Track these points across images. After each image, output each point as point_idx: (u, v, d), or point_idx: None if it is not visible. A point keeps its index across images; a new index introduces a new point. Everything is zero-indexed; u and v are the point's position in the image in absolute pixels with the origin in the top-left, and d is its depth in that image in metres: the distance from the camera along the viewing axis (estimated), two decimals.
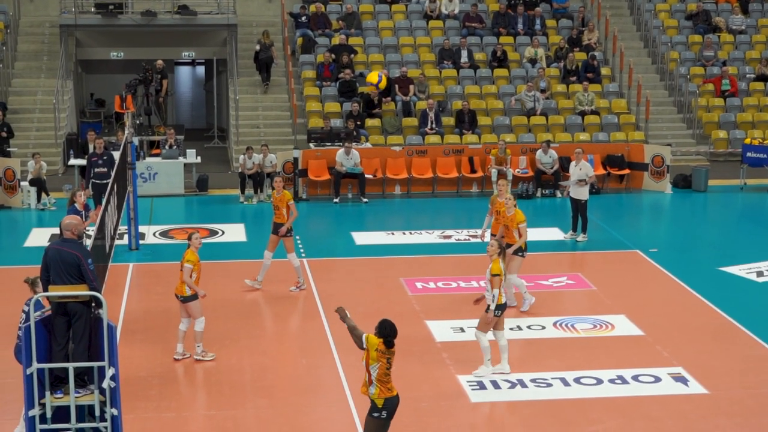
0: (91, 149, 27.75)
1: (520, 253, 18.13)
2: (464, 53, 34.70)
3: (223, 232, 24.07)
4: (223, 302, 18.53)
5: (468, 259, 21.66)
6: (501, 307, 15.17)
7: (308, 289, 19.76)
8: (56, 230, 16.76)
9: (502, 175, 27.06)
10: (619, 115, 33.29)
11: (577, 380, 15.31)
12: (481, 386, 15.06)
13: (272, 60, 33.90)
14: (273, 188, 19.92)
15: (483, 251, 19.64)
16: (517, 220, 18.04)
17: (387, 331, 11.35)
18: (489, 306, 15.03)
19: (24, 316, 12.47)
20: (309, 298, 19.22)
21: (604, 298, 19.38)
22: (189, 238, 16.07)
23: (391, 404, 11.32)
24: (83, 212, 18.75)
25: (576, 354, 16.48)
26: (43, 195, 27.22)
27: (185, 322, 16.03)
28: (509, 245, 17.79)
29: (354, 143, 28.96)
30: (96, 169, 24.36)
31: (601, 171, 29.39)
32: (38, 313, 10.88)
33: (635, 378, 15.39)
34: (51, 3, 35.45)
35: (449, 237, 23.82)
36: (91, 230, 18.18)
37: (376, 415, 11.33)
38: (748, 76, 35.63)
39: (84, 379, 10.98)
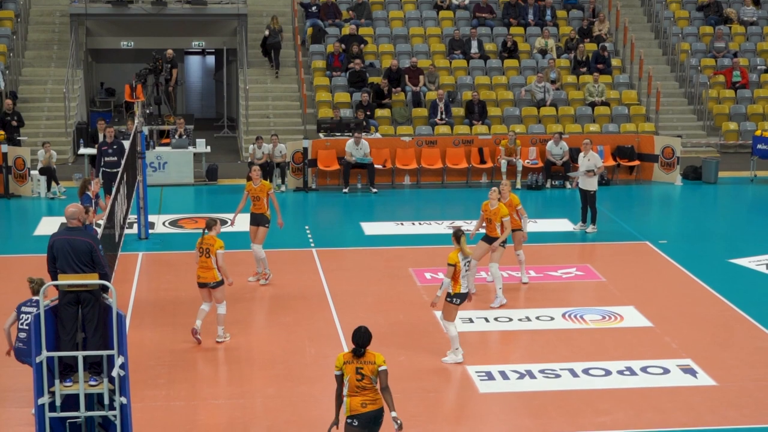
0: (101, 138, 27.77)
1: (502, 245, 18.37)
2: (474, 44, 34.65)
3: (232, 222, 24.05)
4: (232, 292, 18.51)
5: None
6: (460, 296, 15.29)
7: (317, 279, 19.77)
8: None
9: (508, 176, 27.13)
10: (630, 107, 33.22)
11: (585, 371, 15.31)
12: (490, 377, 15.07)
13: (280, 45, 33.91)
14: (250, 178, 19.60)
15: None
16: (501, 213, 18.14)
17: (354, 339, 11.10)
18: (437, 294, 15.27)
19: (25, 317, 12.48)
20: (318, 288, 19.23)
21: (613, 289, 19.36)
22: (210, 228, 16.25)
23: (362, 417, 11.04)
24: (94, 200, 18.84)
25: (585, 345, 16.48)
26: (53, 184, 27.27)
27: (207, 304, 16.31)
28: (493, 239, 18.18)
29: (363, 133, 28.95)
30: (106, 158, 24.40)
31: (611, 162, 29.34)
32: (47, 302, 10.90)
33: (644, 369, 15.39)
34: None
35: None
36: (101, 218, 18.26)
37: (348, 421, 11.09)
38: (759, 67, 35.51)
39: (99, 366, 11.01)
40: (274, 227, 19.70)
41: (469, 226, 23.82)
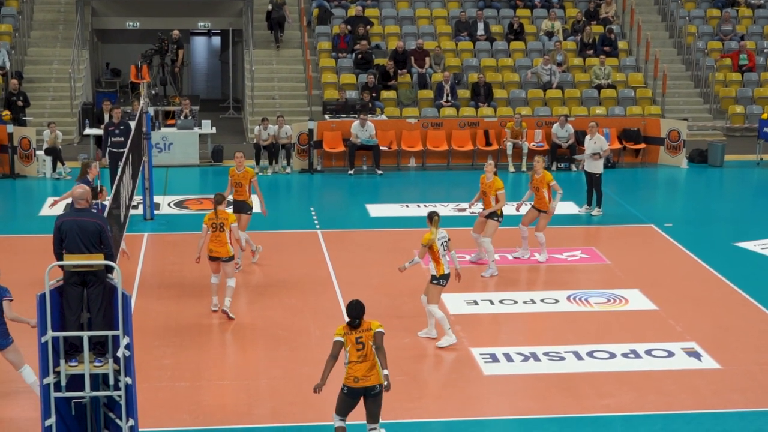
0: (106, 119, 27.79)
1: (495, 218, 18.93)
2: (481, 26, 34.58)
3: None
4: (236, 275, 18.52)
5: None
6: (445, 277, 15.38)
7: (322, 260, 19.79)
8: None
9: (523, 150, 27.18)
10: (636, 89, 33.14)
11: (590, 354, 15.32)
12: (494, 359, 15.09)
13: (285, 19, 33.88)
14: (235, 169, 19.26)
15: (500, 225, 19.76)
16: (495, 187, 18.79)
17: (349, 312, 11.59)
18: (405, 264, 15.69)
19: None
20: (323, 270, 19.25)
21: (618, 272, 19.36)
22: (220, 202, 16.64)
23: (352, 390, 11.59)
24: (92, 183, 18.86)
25: (589, 328, 16.49)
26: (59, 164, 27.30)
27: (217, 277, 16.78)
28: (491, 212, 18.89)
29: (369, 115, 28.93)
30: (113, 138, 24.40)
31: (617, 145, 29.31)
32: (53, 281, 10.92)
33: (648, 352, 15.40)
34: None
35: (463, 210, 23.79)
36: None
37: (342, 386, 11.65)
38: (766, 50, 35.40)
39: (104, 347, 11.03)
40: (257, 215, 19.58)
41: (473, 208, 23.84)
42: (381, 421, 12.77)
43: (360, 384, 11.52)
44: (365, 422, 11.73)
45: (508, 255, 20.14)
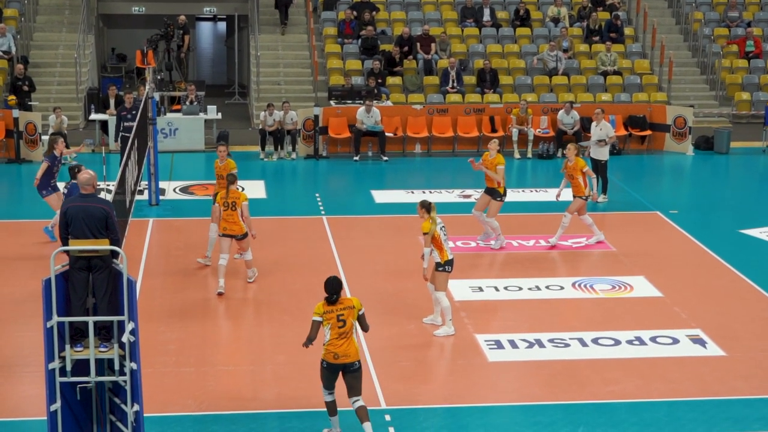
0: (112, 104, 27.92)
1: (498, 198, 19.42)
2: (487, 11, 34.51)
3: (243, 189, 24.03)
4: (241, 261, 18.54)
5: None
6: (450, 263, 15.34)
7: (327, 246, 19.80)
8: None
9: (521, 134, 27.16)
10: (642, 76, 33.07)
11: (594, 341, 15.32)
12: (499, 345, 15.09)
13: (290, 0, 33.95)
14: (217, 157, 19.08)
15: (504, 211, 19.78)
16: (496, 162, 19.31)
17: (327, 288, 11.96)
18: (424, 266, 15.36)
19: None
20: (327, 256, 19.25)
21: (623, 259, 19.35)
22: (232, 182, 17.08)
23: (332, 365, 12.00)
24: (60, 159, 19.52)
25: (594, 315, 16.49)
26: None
27: (225, 258, 17.10)
28: (491, 189, 19.42)
29: (375, 101, 28.90)
30: (125, 123, 24.53)
31: (623, 132, 29.27)
32: (59, 266, 10.92)
33: (653, 339, 15.40)
34: None
35: (469, 196, 23.79)
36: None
37: (321, 361, 12.08)
38: None
39: (110, 332, 11.04)
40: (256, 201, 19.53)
41: (478, 194, 23.79)
42: (386, 406, 12.83)
43: (339, 361, 11.91)
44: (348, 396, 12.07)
45: (542, 241, 20.24)
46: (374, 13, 33.86)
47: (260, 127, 28.13)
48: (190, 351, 14.78)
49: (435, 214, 15.29)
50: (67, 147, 27.02)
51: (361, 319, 12.10)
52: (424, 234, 15.23)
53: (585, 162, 19.86)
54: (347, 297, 12.21)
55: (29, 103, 29.59)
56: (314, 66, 32.52)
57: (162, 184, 23.69)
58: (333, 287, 11.93)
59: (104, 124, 28.61)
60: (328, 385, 12.09)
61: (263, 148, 27.93)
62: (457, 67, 31.76)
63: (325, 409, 12.24)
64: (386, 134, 28.23)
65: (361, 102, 28.87)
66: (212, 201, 18.52)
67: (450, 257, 15.34)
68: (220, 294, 16.95)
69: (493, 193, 19.40)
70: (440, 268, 15.31)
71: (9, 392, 13.49)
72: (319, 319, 11.93)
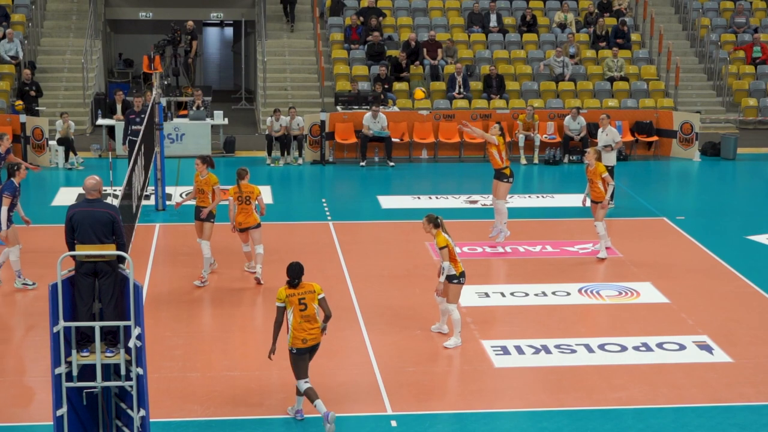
0: (119, 109, 27.94)
1: (504, 180, 20.13)
2: (493, 17, 34.53)
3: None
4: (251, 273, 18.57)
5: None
6: (463, 275, 15.19)
7: (333, 252, 19.80)
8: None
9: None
10: (649, 82, 33.06)
11: (601, 347, 15.30)
12: (505, 351, 15.08)
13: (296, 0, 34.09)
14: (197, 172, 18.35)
15: (511, 217, 19.76)
16: (496, 143, 19.95)
17: (289, 272, 12.49)
18: (440, 281, 15.10)
19: None
20: (334, 261, 19.25)
21: (630, 265, 19.32)
22: (243, 177, 17.74)
23: (301, 350, 12.51)
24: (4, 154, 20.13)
25: (601, 321, 16.47)
26: (71, 154, 27.36)
27: (247, 246, 18.17)
28: (497, 170, 20.07)
29: (381, 107, 28.91)
30: (133, 127, 24.56)
31: (630, 137, 29.25)
32: (65, 271, 10.93)
33: (660, 345, 15.37)
34: None
35: (475, 202, 23.79)
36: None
37: (290, 348, 12.56)
38: None
39: (116, 337, 11.04)
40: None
41: (485, 200, 23.79)
42: (392, 412, 12.82)
43: (309, 344, 12.46)
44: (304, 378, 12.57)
45: (549, 246, 20.18)
46: (381, 18, 33.89)
47: (267, 132, 28.15)
48: (196, 356, 14.78)
49: (443, 227, 15.18)
50: (75, 153, 27.24)
51: (322, 303, 12.53)
52: (440, 249, 15.03)
53: (604, 167, 19.75)
54: (308, 282, 12.65)
55: (36, 108, 29.64)
56: (321, 71, 32.56)
57: (168, 189, 23.71)
58: (295, 272, 12.46)
59: (111, 130, 28.64)
60: (302, 373, 12.52)
61: (270, 154, 27.95)
62: (464, 72, 31.76)
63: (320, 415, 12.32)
64: (393, 140, 28.24)
65: (368, 107, 28.89)
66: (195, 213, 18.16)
67: (462, 269, 15.26)
68: (248, 271, 18.26)
69: (501, 176, 19.98)
70: (455, 281, 15.16)
71: (15, 397, 13.50)
72: (282, 304, 12.43)
